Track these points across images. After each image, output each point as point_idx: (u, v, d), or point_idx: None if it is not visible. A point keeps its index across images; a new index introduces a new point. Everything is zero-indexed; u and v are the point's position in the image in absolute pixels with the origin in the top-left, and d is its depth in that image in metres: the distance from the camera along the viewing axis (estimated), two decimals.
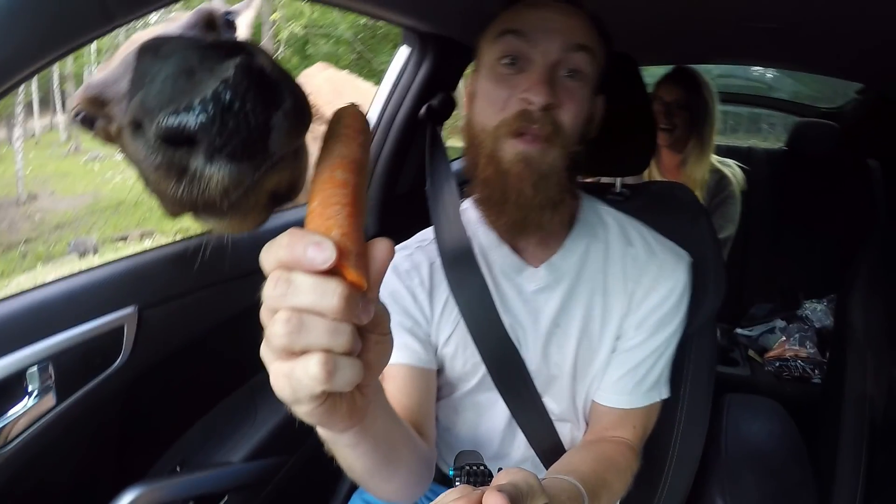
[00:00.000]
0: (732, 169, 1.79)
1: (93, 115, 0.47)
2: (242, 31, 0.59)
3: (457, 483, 0.59)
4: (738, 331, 1.92)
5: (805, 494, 1.05)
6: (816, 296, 1.89)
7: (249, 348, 0.35)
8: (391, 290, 0.78)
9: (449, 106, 1.08)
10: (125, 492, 0.84)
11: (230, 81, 0.32)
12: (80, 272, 0.87)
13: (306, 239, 0.32)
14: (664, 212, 0.94)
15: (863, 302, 1.22)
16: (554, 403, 0.80)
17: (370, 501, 0.89)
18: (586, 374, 0.79)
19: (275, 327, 0.32)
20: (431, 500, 0.48)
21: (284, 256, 0.32)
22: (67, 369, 0.80)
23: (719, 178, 1.76)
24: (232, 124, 0.32)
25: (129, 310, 0.87)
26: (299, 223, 0.34)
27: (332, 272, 0.32)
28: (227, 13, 0.52)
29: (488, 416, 0.82)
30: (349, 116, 0.39)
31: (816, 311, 1.84)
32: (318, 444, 0.51)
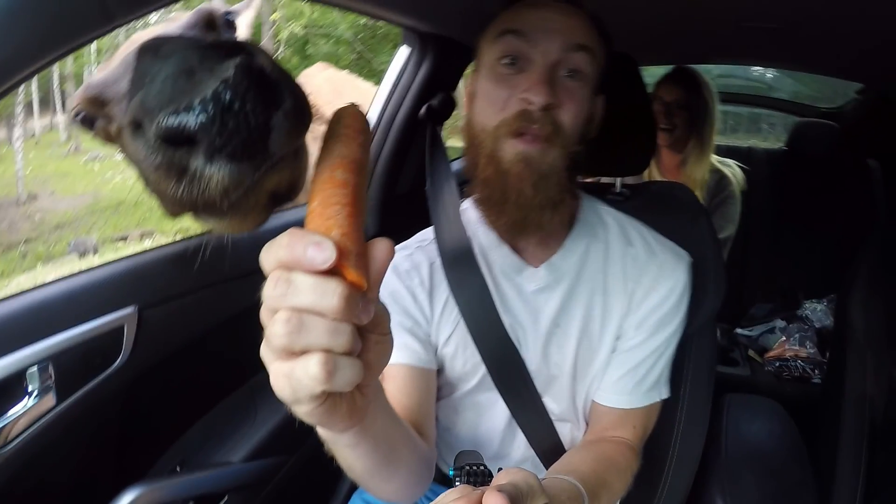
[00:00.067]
0: (732, 169, 1.79)
1: (93, 115, 0.47)
2: (242, 31, 0.59)
3: (457, 483, 0.59)
4: (738, 331, 1.92)
5: (805, 494, 1.05)
6: (816, 296, 1.89)
7: (249, 348, 0.35)
8: (391, 290, 0.78)
9: (449, 106, 1.09)
10: (125, 492, 0.84)
11: (230, 81, 0.32)
12: (80, 272, 0.87)
13: (306, 239, 0.32)
14: (664, 212, 0.94)
15: (863, 302, 1.22)
16: (554, 403, 0.80)
17: (370, 501, 0.89)
18: (586, 374, 0.79)
19: (275, 327, 0.32)
20: (431, 501, 0.48)
21: (284, 256, 0.32)
22: (67, 369, 0.80)
23: (719, 178, 1.76)
24: (232, 124, 0.32)
25: (129, 310, 0.87)
26: (299, 223, 0.34)
27: (332, 272, 0.32)
28: (227, 13, 0.52)
29: (488, 416, 0.82)
30: (349, 116, 0.39)
31: (816, 311, 1.84)
32: (318, 444, 0.51)
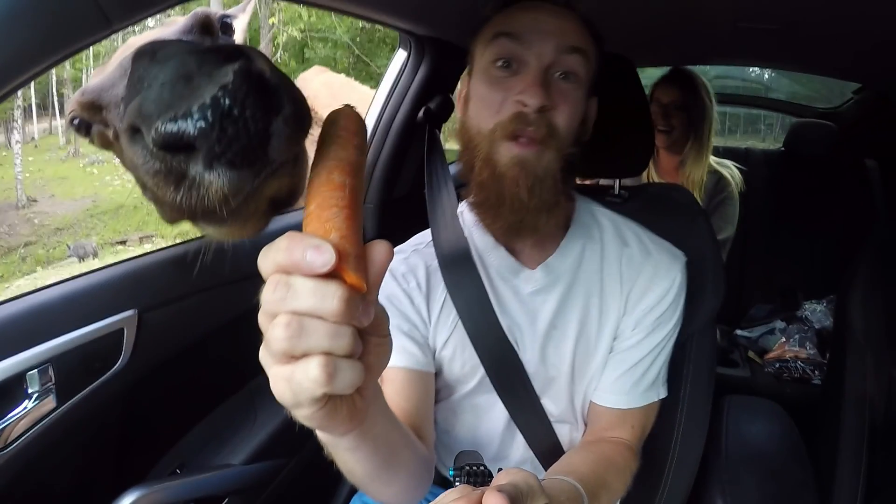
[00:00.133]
0: (730, 170, 1.79)
1: (89, 121, 0.46)
2: (238, 36, 0.59)
3: (456, 483, 0.59)
4: (738, 332, 1.92)
5: (805, 495, 1.05)
6: (816, 296, 1.89)
7: (249, 351, 0.35)
8: (388, 293, 0.78)
9: (447, 108, 1.09)
10: (125, 494, 0.84)
11: (229, 87, 0.31)
12: (80, 275, 0.87)
13: (305, 242, 0.32)
14: (663, 213, 0.94)
15: (862, 302, 1.22)
16: (552, 405, 0.80)
17: None
18: (584, 375, 0.79)
19: (275, 331, 0.32)
20: (431, 503, 0.48)
21: (283, 260, 0.32)
22: (68, 372, 0.80)
23: (717, 180, 1.76)
24: (231, 131, 0.32)
25: (129, 313, 0.87)
26: (296, 227, 0.34)
27: (332, 275, 0.32)
28: (224, 16, 0.50)
29: (487, 418, 0.82)
30: (344, 118, 0.38)
31: (816, 311, 1.84)
32: (317, 446, 0.51)
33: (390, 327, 0.39)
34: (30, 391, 0.77)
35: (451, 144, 1.24)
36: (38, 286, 0.84)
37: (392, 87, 1.30)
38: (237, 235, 0.40)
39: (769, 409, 1.24)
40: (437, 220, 0.82)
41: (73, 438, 0.85)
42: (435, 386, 0.80)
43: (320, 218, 0.34)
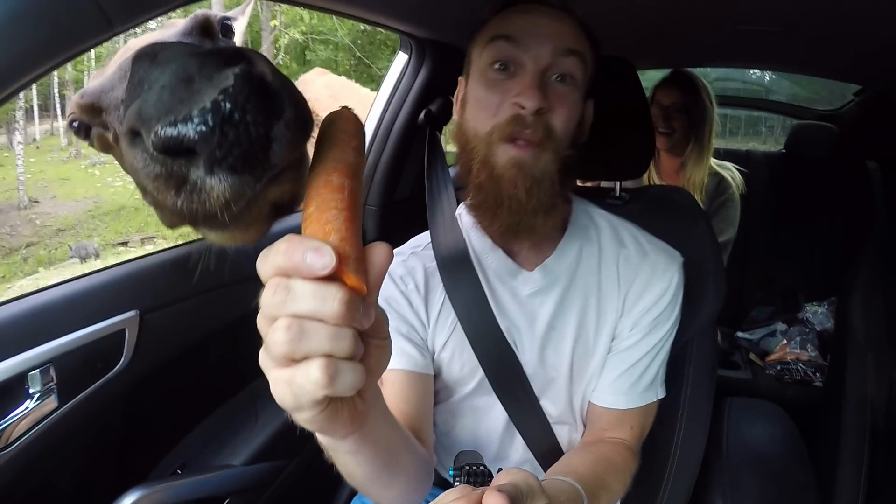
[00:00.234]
0: (731, 172, 1.79)
1: (89, 123, 0.46)
2: (238, 38, 0.58)
3: (456, 483, 0.60)
4: (739, 334, 1.91)
5: (807, 497, 1.05)
6: (817, 298, 1.89)
7: (250, 352, 0.35)
8: (387, 295, 0.79)
9: (447, 111, 1.09)
10: (126, 494, 0.84)
11: (230, 91, 0.31)
12: (82, 276, 0.87)
13: (305, 245, 0.32)
14: (663, 215, 0.95)
15: (863, 303, 1.22)
16: (551, 406, 0.80)
17: None
18: (583, 376, 0.79)
19: (275, 335, 0.32)
20: None
21: (283, 263, 0.32)
22: (69, 372, 0.81)
23: (718, 182, 1.76)
24: (232, 136, 0.31)
25: (130, 314, 0.87)
26: (295, 229, 0.33)
27: (332, 277, 0.32)
28: (225, 18, 0.50)
29: (486, 420, 0.82)
30: (343, 120, 0.38)
31: (817, 313, 1.84)
32: (318, 448, 0.51)
33: (389, 329, 0.39)
34: (31, 391, 0.77)
35: (451, 147, 1.24)
36: (40, 287, 0.84)
37: (393, 89, 1.31)
38: (239, 240, 0.40)
39: (770, 411, 1.24)
40: (436, 222, 0.82)
41: (75, 438, 0.86)
42: (434, 388, 0.80)
43: (320, 220, 0.33)
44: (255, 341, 0.34)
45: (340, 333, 0.32)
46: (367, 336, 0.36)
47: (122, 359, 0.87)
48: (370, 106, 1.35)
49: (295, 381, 0.32)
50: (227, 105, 0.31)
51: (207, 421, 1.08)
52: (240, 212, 0.35)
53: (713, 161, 1.76)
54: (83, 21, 0.41)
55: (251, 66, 0.32)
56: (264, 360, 0.34)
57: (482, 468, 0.61)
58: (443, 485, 0.84)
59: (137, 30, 0.48)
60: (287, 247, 0.32)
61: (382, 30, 1.39)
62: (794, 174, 2.09)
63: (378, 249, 0.35)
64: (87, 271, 0.89)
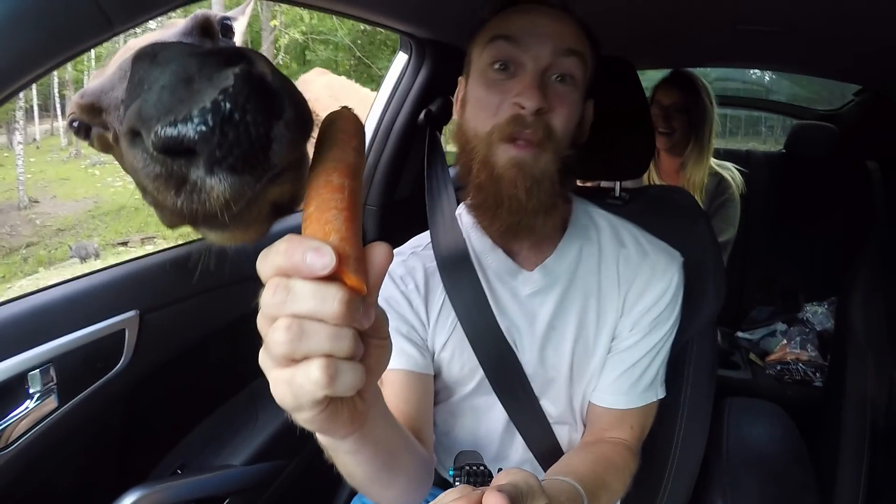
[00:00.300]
0: (731, 172, 1.79)
1: (89, 123, 0.46)
2: (237, 38, 0.58)
3: (456, 483, 0.60)
4: (739, 334, 1.92)
5: (807, 497, 1.05)
6: (817, 298, 1.89)
7: (251, 352, 0.35)
8: (386, 295, 0.79)
9: (447, 111, 1.09)
10: (126, 494, 0.84)
11: (230, 91, 0.31)
12: (82, 276, 0.87)
13: (304, 245, 0.32)
14: (663, 215, 0.95)
15: (863, 303, 1.22)
16: (551, 406, 0.80)
17: None
18: (583, 376, 0.79)
19: (275, 335, 0.32)
20: None
21: (283, 263, 0.32)
22: (69, 372, 0.81)
23: (718, 182, 1.76)
24: (232, 136, 0.31)
25: (130, 314, 0.87)
26: (295, 229, 0.33)
27: (332, 277, 0.32)
28: (225, 18, 0.50)
29: (486, 420, 0.82)
30: (343, 120, 0.38)
31: (817, 313, 1.84)
32: (318, 448, 0.51)
33: (389, 330, 0.39)
34: (31, 391, 0.77)
35: (452, 147, 1.25)
36: (40, 287, 0.84)
37: (393, 89, 1.31)
38: (239, 240, 0.40)
39: (770, 411, 1.24)
40: (436, 222, 0.82)
41: (75, 438, 0.86)
42: (434, 388, 0.80)
43: (320, 220, 0.33)
44: (256, 341, 0.34)
45: (340, 333, 0.32)
46: (367, 336, 0.36)
47: (122, 359, 0.87)
48: (370, 106, 1.35)
49: (295, 381, 0.32)
50: (227, 105, 0.31)
51: (207, 421, 1.08)
52: (240, 212, 0.35)
53: (713, 161, 1.76)
54: (83, 21, 0.41)
55: (251, 66, 0.32)
56: (264, 360, 0.34)
57: (482, 468, 0.61)
58: (443, 485, 0.84)
59: (137, 30, 0.48)
60: (287, 247, 0.32)
61: (382, 30, 1.39)
62: (794, 174, 2.09)
63: (378, 249, 0.35)
64: (87, 271, 0.89)
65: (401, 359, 0.75)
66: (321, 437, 0.46)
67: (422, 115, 1.10)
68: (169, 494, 0.89)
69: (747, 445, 1.13)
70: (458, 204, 0.83)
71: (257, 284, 0.34)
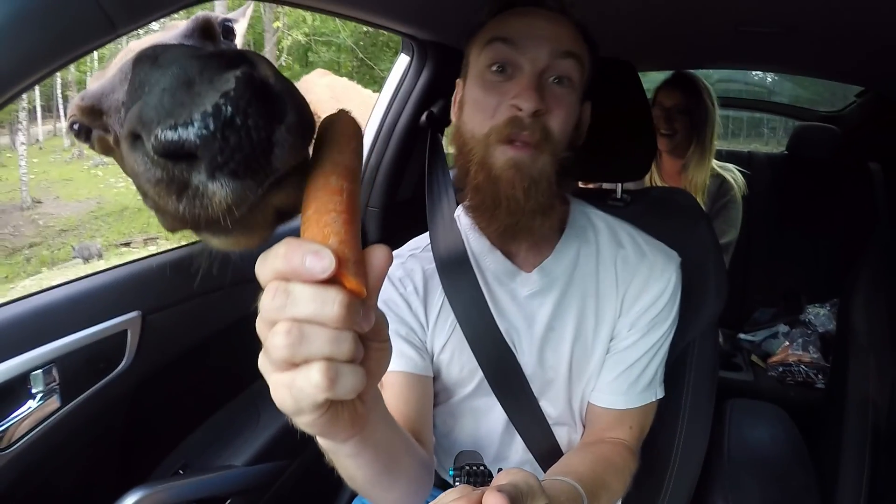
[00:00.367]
0: (733, 173, 1.79)
1: (89, 126, 0.45)
2: (238, 40, 0.58)
3: (456, 483, 0.60)
4: (741, 336, 1.91)
5: (808, 499, 1.05)
6: (819, 299, 1.89)
7: (252, 353, 0.35)
8: (385, 298, 0.79)
9: (449, 113, 1.09)
10: (128, 494, 0.85)
11: (231, 95, 0.31)
12: (85, 277, 0.88)
13: (304, 248, 0.31)
14: (665, 217, 0.95)
15: (865, 305, 1.22)
16: (551, 407, 0.80)
17: None
18: (582, 377, 0.79)
19: (275, 339, 0.32)
20: None
21: (282, 267, 0.32)
22: (72, 372, 0.81)
23: (720, 183, 1.76)
24: (234, 140, 0.31)
25: (132, 314, 0.88)
26: (293, 232, 0.33)
27: (331, 280, 0.32)
28: (226, 20, 0.49)
29: (486, 421, 0.82)
30: (341, 122, 0.38)
31: (819, 315, 1.84)
32: (320, 449, 0.51)
33: (388, 332, 0.39)
34: (34, 391, 0.77)
35: (453, 149, 1.25)
36: (43, 287, 0.84)
37: (395, 91, 1.31)
38: (242, 246, 0.39)
39: (772, 412, 1.24)
40: (435, 223, 0.82)
41: (77, 438, 0.86)
42: (433, 389, 0.80)
43: (319, 223, 0.33)
44: (258, 342, 0.34)
45: (340, 337, 0.32)
46: (367, 339, 0.36)
47: (125, 359, 0.87)
48: (372, 107, 1.36)
49: (295, 385, 0.32)
50: (229, 109, 0.30)
51: (209, 421, 1.08)
52: (242, 217, 0.34)
53: (715, 163, 1.76)
54: (86, 23, 0.41)
55: (253, 68, 0.32)
56: (264, 364, 0.34)
57: (482, 468, 0.61)
58: (443, 486, 0.84)
59: (140, 31, 0.48)
60: (286, 250, 0.32)
61: (385, 32, 1.39)
62: (796, 175, 2.09)
63: (377, 252, 0.35)
64: (89, 272, 0.89)
65: (400, 361, 0.75)
66: (322, 441, 0.46)
67: (423, 117, 1.10)
68: (171, 494, 0.89)
69: (749, 447, 1.13)
70: (457, 206, 0.83)
71: (259, 286, 0.33)
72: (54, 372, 0.79)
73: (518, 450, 0.82)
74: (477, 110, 0.71)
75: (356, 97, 1.71)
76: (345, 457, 0.50)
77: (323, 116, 0.39)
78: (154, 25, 0.50)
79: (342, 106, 0.40)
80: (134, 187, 0.38)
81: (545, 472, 0.77)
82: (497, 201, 0.69)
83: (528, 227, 0.71)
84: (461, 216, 0.82)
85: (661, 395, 0.81)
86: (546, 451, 0.80)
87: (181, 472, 0.99)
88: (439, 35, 1.21)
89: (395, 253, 0.82)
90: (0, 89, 0.38)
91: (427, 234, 0.84)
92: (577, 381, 0.80)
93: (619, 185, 0.98)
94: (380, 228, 1.32)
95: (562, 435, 0.82)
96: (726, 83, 2.71)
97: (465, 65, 0.77)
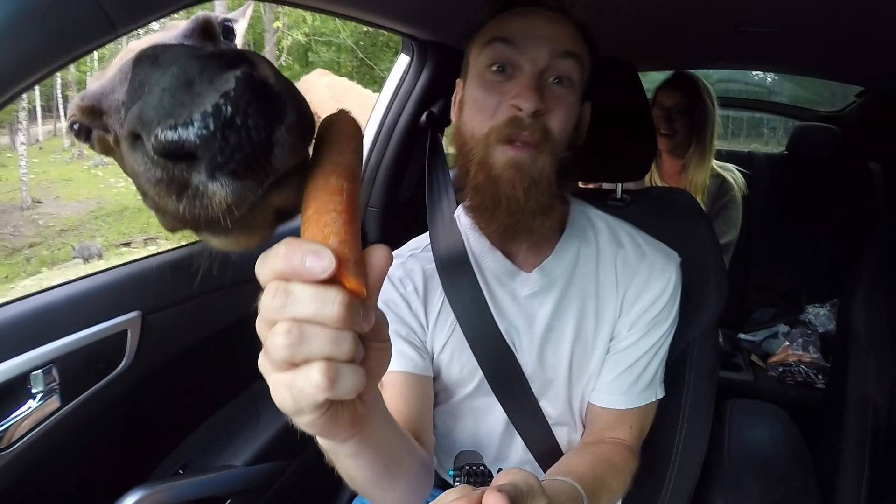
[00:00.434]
0: (733, 173, 1.79)
1: (89, 126, 0.45)
2: (238, 40, 0.58)
3: (456, 483, 0.60)
4: (741, 336, 1.91)
5: (808, 500, 1.05)
6: (819, 299, 1.89)
7: (252, 353, 0.35)
8: (385, 298, 0.79)
9: (449, 113, 1.09)
10: (128, 494, 0.85)
11: (231, 95, 0.31)
12: (85, 277, 0.88)
13: (304, 248, 0.31)
14: (665, 217, 0.95)
15: (865, 305, 1.22)
16: (551, 407, 0.80)
17: None
18: (581, 377, 0.79)
19: (275, 339, 0.32)
20: None
21: (282, 267, 0.32)
22: (72, 372, 0.81)
23: (720, 183, 1.75)
24: (234, 140, 0.31)
25: (132, 314, 0.88)
26: (293, 232, 0.33)
27: (331, 280, 0.32)
28: (226, 20, 0.49)
29: (486, 421, 0.82)
30: (341, 122, 0.38)
31: (819, 315, 1.84)
32: (319, 450, 0.51)
33: (388, 332, 0.39)
34: (34, 391, 0.77)
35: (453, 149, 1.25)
36: (43, 287, 0.84)
37: (395, 91, 1.31)
38: (242, 246, 0.39)
39: (772, 413, 1.24)
40: (435, 223, 0.82)
41: (77, 438, 0.86)
42: (433, 389, 0.80)
43: (318, 223, 0.33)
44: (257, 342, 0.34)
45: (340, 337, 0.32)
46: (367, 339, 0.36)
47: (125, 359, 0.87)
48: (372, 107, 1.36)
49: (295, 385, 0.32)
50: (229, 109, 0.30)
51: (209, 421, 1.08)
52: (242, 217, 0.34)
53: (715, 163, 1.76)
54: (86, 23, 0.41)
55: (253, 68, 0.32)
56: (264, 364, 0.34)
57: (482, 468, 0.61)
58: (443, 486, 0.84)
59: (140, 31, 0.48)
60: (286, 250, 0.32)
61: (385, 32, 1.39)
62: (796, 176, 2.09)
63: (377, 252, 0.35)
64: (89, 272, 0.89)
65: (400, 361, 0.75)
66: (322, 441, 0.46)
67: (423, 117, 1.10)
68: (171, 494, 0.89)
69: (749, 447, 1.13)
70: (457, 206, 0.83)
71: (259, 286, 0.33)
72: (54, 372, 0.79)
73: (518, 450, 0.82)
74: (477, 110, 0.71)
75: (356, 97, 1.71)
76: (345, 457, 0.50)
77: (323, 116, 0.39)
78: (154, 25, 0.50)
79: (342, 106, 0.40)
80: (134, 187, 0.38)
81: (545, 472, 0.77)
82: (497, 201, 0.69)
83: (528, 227, 0.71)
84: (461, 216, 0.82)
85: (661, 395, 0.81)
86: (546, 451, 0.80)
87: (181, 472, 0.99)
88: (439, 35, 1.21)
89: (395, 253, 0.82)
90: (0, 89, 0.38)
91: (427, 234, 0.84)
92: (577, 381, 0.80)
93: (619, 185, 0.98)
94: (380, 228, 1.32)
95: (562, 435, 0.82)
96: (726, 83, 2.71)
97: (465, 65, 0.77)
